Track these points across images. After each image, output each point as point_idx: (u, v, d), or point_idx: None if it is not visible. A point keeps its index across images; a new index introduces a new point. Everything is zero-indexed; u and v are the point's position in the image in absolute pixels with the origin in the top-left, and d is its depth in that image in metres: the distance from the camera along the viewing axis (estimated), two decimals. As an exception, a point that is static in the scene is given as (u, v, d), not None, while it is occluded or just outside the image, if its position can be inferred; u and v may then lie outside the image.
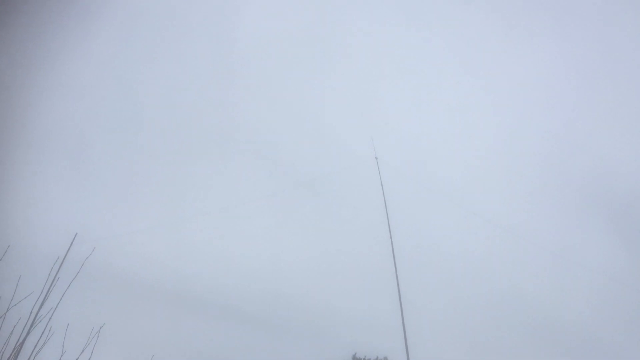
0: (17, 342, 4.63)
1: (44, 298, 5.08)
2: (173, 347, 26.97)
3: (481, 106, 51.07)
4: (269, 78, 48.58)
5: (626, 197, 44.56)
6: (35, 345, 4.71)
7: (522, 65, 49.22)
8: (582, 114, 48.30)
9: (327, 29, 47.63)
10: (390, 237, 10.32)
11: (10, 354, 4.61)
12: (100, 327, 4.84)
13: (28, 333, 4.76)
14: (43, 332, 4.80)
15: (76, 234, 5.95)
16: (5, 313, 4.67)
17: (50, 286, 5.21)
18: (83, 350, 4.74)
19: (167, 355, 24.37)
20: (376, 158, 12.16)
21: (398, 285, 9.80)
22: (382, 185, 11.15)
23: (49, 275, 5.13)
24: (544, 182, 47.95)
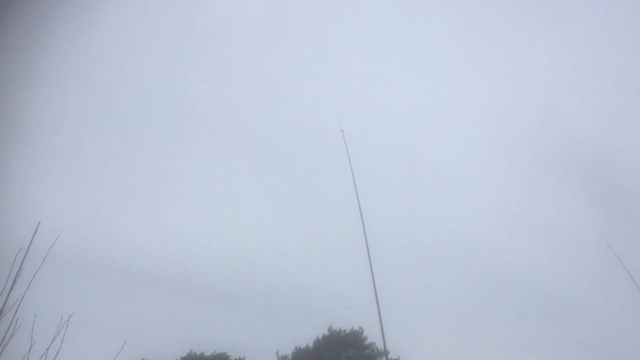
0: (-16, 335, 4.54)
1: (10, 289, 4.97)
2: (146, 331, 26.85)
3: (455, 79, 51.43)
4: (236, 59, 47.73)
5: (594, 161, 46.03)
6: (4, 338, 4.62)
7: (497, 40, 49.57)
8: (555, 85, 49.22)
9: (296, 6, 46.90)
10: (360, 211, 10.40)
11: (-22, 348, 4.52)
12: (70, 316, 4.77)
13: (-5, 326, 4.66)
14: (10, 324, 4.71)
15: (39, 222, 5.81)
16: (-31, 307, 4.56)
17: (15, 277, 5.10)
18: (53, 340, 4.67)
19: (140, 339, 24.30)
20: (342, 131, 12.11)
21: (370, 258, 9.92)
22: (349, 158, 11.15)
23: (13, 266, 5.01)
24: (518, 149, 48.98)
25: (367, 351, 23.38)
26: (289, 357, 23.48)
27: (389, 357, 22.78)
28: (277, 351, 23.67)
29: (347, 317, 26.65)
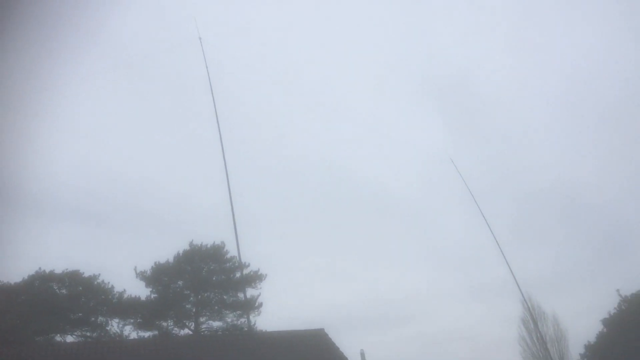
0: None
1: None
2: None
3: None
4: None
5: (452, 81, 49.40)
6: None
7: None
8: (424, 8, 50.48)
9: None
10: (218, 124, 10.02)
11: None
12: None
13: None
14: None
15: None
16: None
17: None
18: None
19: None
20: (200, 38, 11.28)
21: (227, 173, 9.73)
22: (207, 68, 10.48)
23: None
24: (384, 68, 50.56)
25: (228, 264, 23.70)
26: (148, 272, 23.06)
27: (251, 269, 23.46)
28: (135, 267, 23.09)
29: (210, 233, 26.63)
